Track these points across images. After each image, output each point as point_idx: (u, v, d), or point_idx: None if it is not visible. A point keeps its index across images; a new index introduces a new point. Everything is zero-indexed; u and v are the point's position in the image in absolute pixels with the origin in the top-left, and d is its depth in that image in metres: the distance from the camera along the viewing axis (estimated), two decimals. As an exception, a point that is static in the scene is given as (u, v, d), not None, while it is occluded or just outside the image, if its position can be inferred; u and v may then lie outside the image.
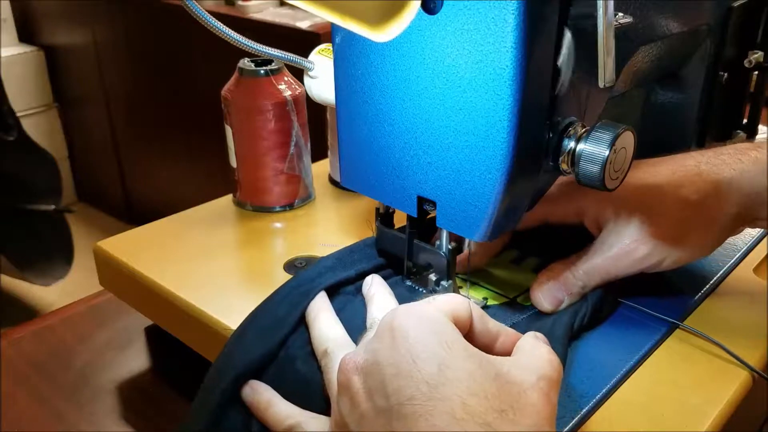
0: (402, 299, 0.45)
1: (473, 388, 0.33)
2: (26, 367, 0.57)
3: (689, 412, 0.43)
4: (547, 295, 0.49)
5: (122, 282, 0.58)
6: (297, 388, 0.43)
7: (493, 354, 0.37)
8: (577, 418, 0.41)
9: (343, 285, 0.48)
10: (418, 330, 0.34)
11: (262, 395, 0.43)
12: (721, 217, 0.49)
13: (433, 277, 0.48)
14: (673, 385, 0.45)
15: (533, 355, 0.37)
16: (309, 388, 0.42)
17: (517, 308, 0.50)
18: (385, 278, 0.49)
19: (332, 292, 0.48)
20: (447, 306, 0.37)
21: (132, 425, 0.52)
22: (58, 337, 0.61)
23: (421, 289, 0.50)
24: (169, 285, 0.53)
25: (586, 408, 0.42)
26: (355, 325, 0.45)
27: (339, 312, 0.46)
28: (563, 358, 0.43)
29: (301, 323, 0.46)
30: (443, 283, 0.48)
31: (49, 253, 1.96)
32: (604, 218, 0.50)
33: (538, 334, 0.39)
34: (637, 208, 0.48)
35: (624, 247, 0.48)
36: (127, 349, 0.60)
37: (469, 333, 0.38)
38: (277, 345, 0.44)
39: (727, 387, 0.45)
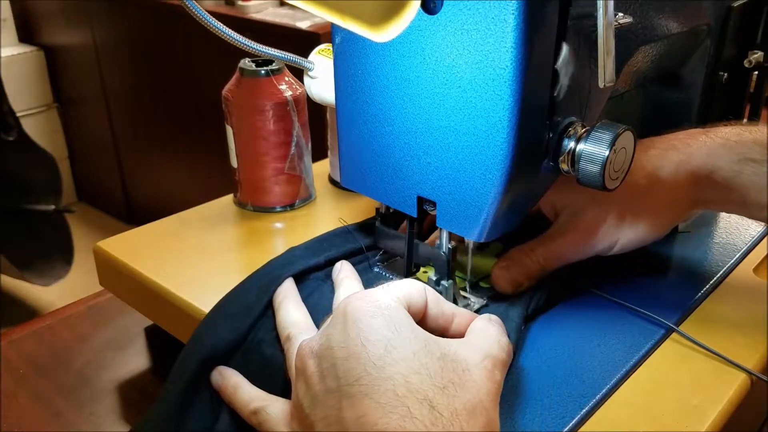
0: (369, 285, 0.46)
1: (416, 366, 0.34)
2: (26, 367, 0.57)
3: (689, 412, 0.43)
4: (507, 278, 0.50)
5: (122, 282, 0.58)
6: (263, 371, 0.44)
7: (449, 335, 0.39)
8: (577, 418, 0.41)
9: (312, 271, 0.50)
10: (368, 315, 0.36)
11: (230, 380, 0.44)
12: (670, 199, 0.50)
13: (432, 276, 0.48)
14: (673, 385, 0.45)
15: (482, 335, 0.38)
16: (274, 371, 0.44)
17: (478, 291, 0.51)
18: (354, 264, 0.51)
19: (302, 278, 0.49)
20: (400, 292, 0.38)
21: (132, 425, 0.52)
22: (57, 337, 0.61)
23: (388, 275, 0.51)
24: (169, 285, 0.53)
25: (586, 408, 0.42)
26: (322, 308, 0.46)
27: (308, 297, 0.48)
28: (515, 339, 0.45)
29: (270, 308, 0.47)
30: (443, 282, 0.48)
31: (49, 253, 1.96)
32: (560, 205, 0.52)
33: (492, 316, 0.41)
34: (590, 194, 0.49)
35: (578, 231, 0.50)
36: (126, 349, 0.60)
37: (424, 317, 0.40)
38: (246, 330, 0.45)
39: (726, 387, 0.45)
